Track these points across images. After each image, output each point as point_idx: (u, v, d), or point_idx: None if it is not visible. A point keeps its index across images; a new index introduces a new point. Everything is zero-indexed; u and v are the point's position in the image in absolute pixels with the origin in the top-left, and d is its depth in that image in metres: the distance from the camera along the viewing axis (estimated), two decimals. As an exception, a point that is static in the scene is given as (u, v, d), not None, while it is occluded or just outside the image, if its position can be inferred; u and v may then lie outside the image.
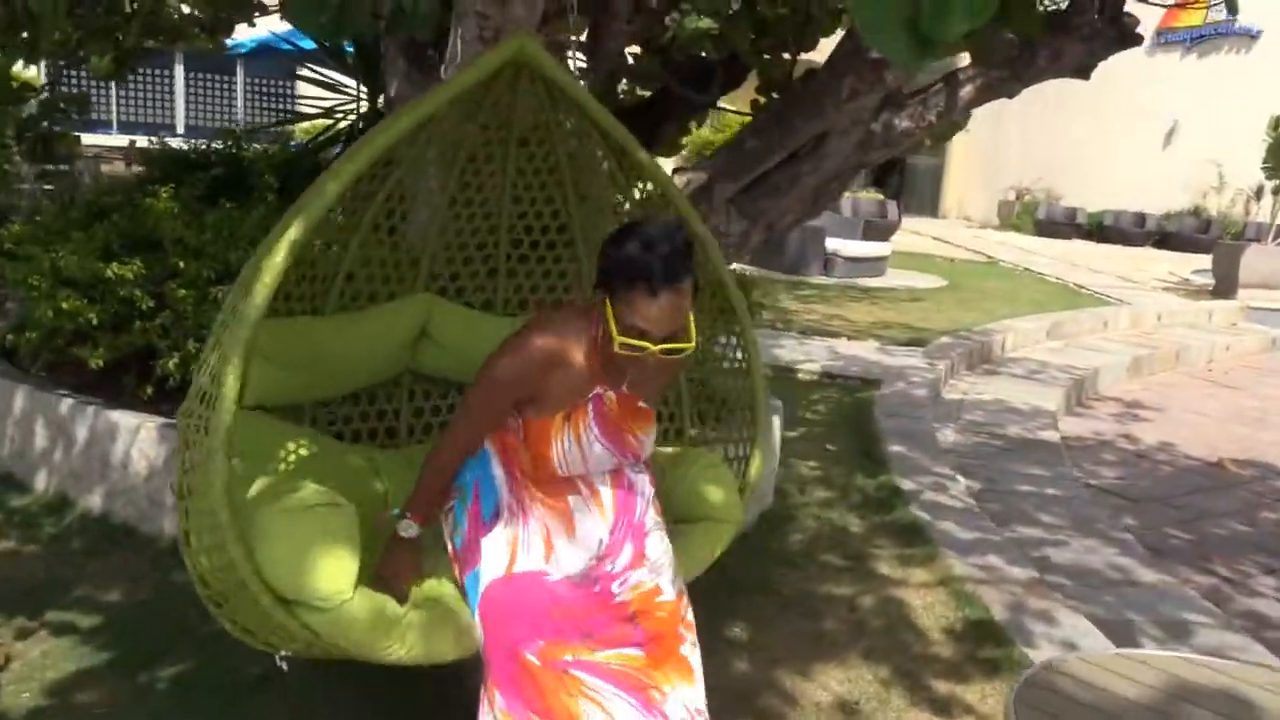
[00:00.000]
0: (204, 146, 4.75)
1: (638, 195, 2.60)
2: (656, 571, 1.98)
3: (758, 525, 3.77)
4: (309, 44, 5.73)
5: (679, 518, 2.49)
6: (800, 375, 6.38)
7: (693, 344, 1.79)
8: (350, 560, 1.79)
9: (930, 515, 4.04)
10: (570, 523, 1.93)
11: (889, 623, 3.13)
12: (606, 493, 1.96)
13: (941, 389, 6.64)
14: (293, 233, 1.74)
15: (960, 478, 4.68)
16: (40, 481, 3.66)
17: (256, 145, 5.14)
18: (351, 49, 4.86)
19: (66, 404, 3.53)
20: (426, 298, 2.64)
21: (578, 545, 1.92)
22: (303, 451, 2.32)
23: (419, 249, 2.65)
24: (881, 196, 16.02)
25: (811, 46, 3.52)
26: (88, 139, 13.14)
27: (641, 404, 1.97)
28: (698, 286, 1.82)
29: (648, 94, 4.07)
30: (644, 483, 2.03)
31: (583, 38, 3.42)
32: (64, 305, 3.39)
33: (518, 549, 1.91)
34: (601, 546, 1.93)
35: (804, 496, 4.17)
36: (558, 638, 1.86)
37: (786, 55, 3.57)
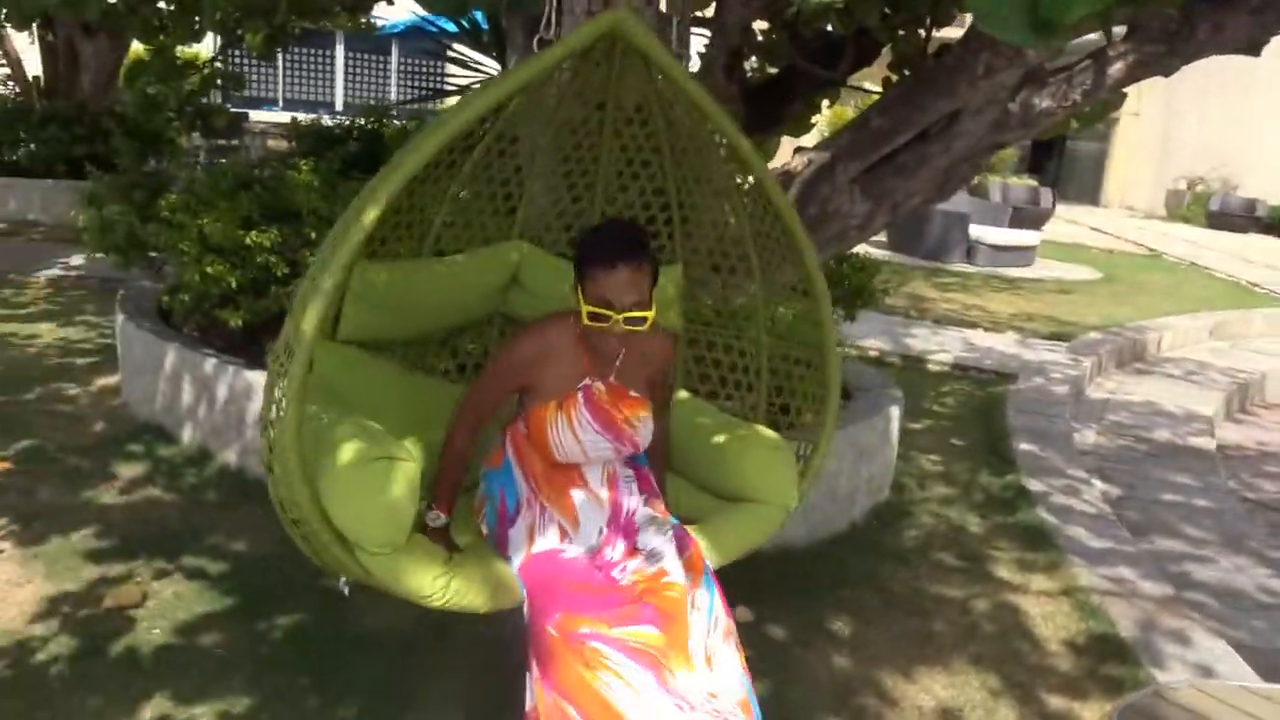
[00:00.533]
0: (348, 122, 4.95)
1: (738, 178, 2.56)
2: (655, 559, 2.07)
3: (870, 518, 3.66)
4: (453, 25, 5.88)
5: (734, 496, 2.50)
6: (930, 366, 6.16)
7: (651, 313, 2.05)
8: (404, 513, 1.91)
9: (1058, 519, 3.83)
10: (575, 516, 2.13)
11: (1003, 629, 2.98)
12: (605, 494, 2.16)
13: (1085, 387, 6.29)
14: (380, 192, 1.81)
15: (1096, 482, 4.42)
16: (186, 434, 3.90)
17: (397, 121, 5.32)
18: (486, 27, 4.94)
19: (210, 363, 3.74)
20: (520, 244, 2.72)
21: (582, 537, 2.11)
22: (389, 385, 2.48)
23: (515, 199, 2.73)
24: (1035, 182, 15.26)
25: (948, 21, 3.35)
26: (255, 115, 13.94)
27: (632, 393, 2.19)
28: (656, 274, 2.12)
29: (775, 71, 3.97)
30: (634, 489, 2.20)
31: (708, 13, 3.36)
32: (209, 270, 3.59)
33: (535, 534, 2.13)
34: (600, 536, 2.11)
35: (923, 491, 4.02)
36: (574, 610, 1.95)
37: (920, 31, 3.41)
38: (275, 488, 2.01)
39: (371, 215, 1.81)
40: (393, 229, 2.50)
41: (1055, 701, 2.63)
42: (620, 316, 2.03)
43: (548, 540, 2.12)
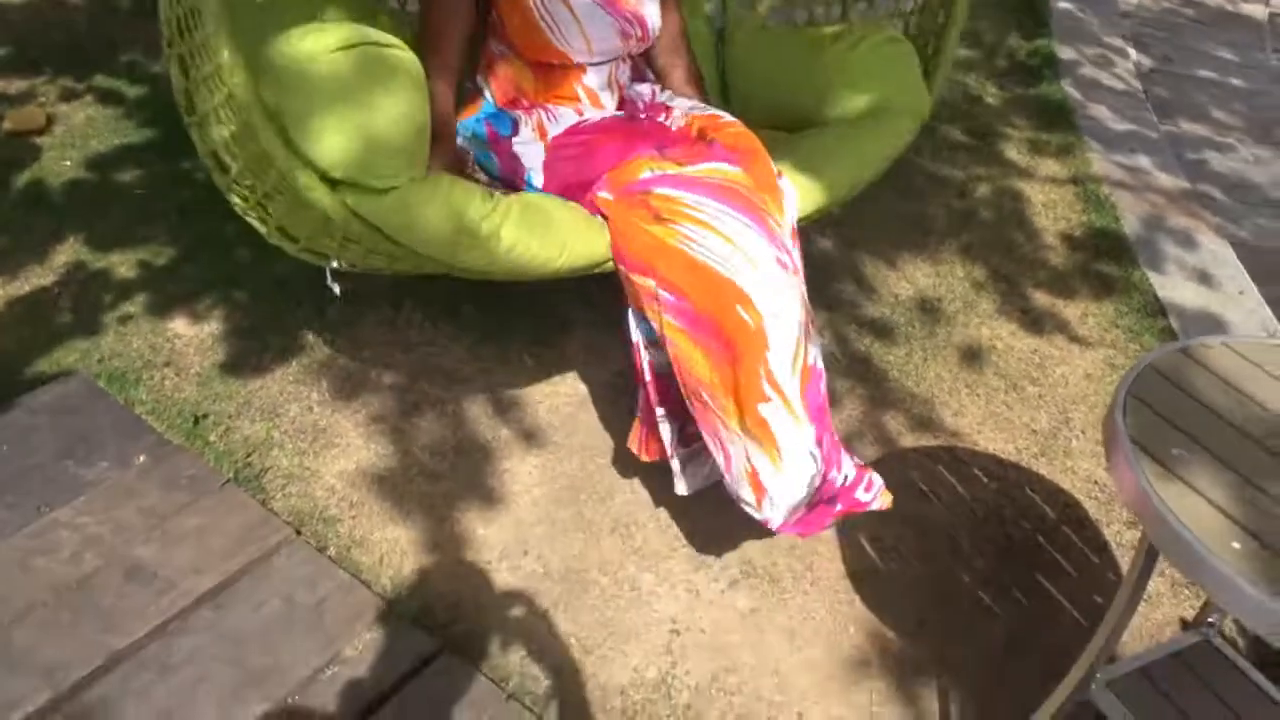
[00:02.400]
0: None
1: None
2: (703, 109, 1.71)
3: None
4: None
5: (844, 116, 1.96)
6: (974, -106, 5.29)
7: None
8: (418, 119, 1.33)
9: (1082, 95, 3.46)
10: (580, 111, 1.73)
11: (999, 217, 2.77)
12: (610, 100, 1.77)
13: (1142, -67, 5.50)
14: None
15: (1131, 51, 3.97)
16: (90, -81, 3.29)
17: None
18: None
19: None
20: None
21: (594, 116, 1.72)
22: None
23: None
24: None
25: None
26: None
27: None
28: None
29: None
30: (651, 88, 1.82)
31: None
32: None
33: (546, 126, 1.69)
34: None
35: (940, 52, 3.58)
36: (623, 159, 1.54)
37: None
38: (204, 136, 1.40)
39: None
40: None
41: (1039, 298, 2.50)
42: None
43: (563, 122, 1.70)
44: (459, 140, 1.74)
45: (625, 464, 1.84)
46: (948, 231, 2.68)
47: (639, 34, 1.76)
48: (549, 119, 1.71)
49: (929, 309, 2.41)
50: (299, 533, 1.60)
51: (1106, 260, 2.65)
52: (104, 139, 2.43)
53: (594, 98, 1.75)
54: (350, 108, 1.27)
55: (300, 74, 1.26)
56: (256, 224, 1.52)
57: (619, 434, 1.90)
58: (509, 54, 1.74)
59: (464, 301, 2.15)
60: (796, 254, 1.52)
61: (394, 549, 1.64)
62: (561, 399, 1.97)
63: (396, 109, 1.30)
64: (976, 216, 2.76)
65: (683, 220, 1.42)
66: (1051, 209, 2.84)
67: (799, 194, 1.67)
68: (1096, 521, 1.89)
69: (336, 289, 1.51)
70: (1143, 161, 3.12)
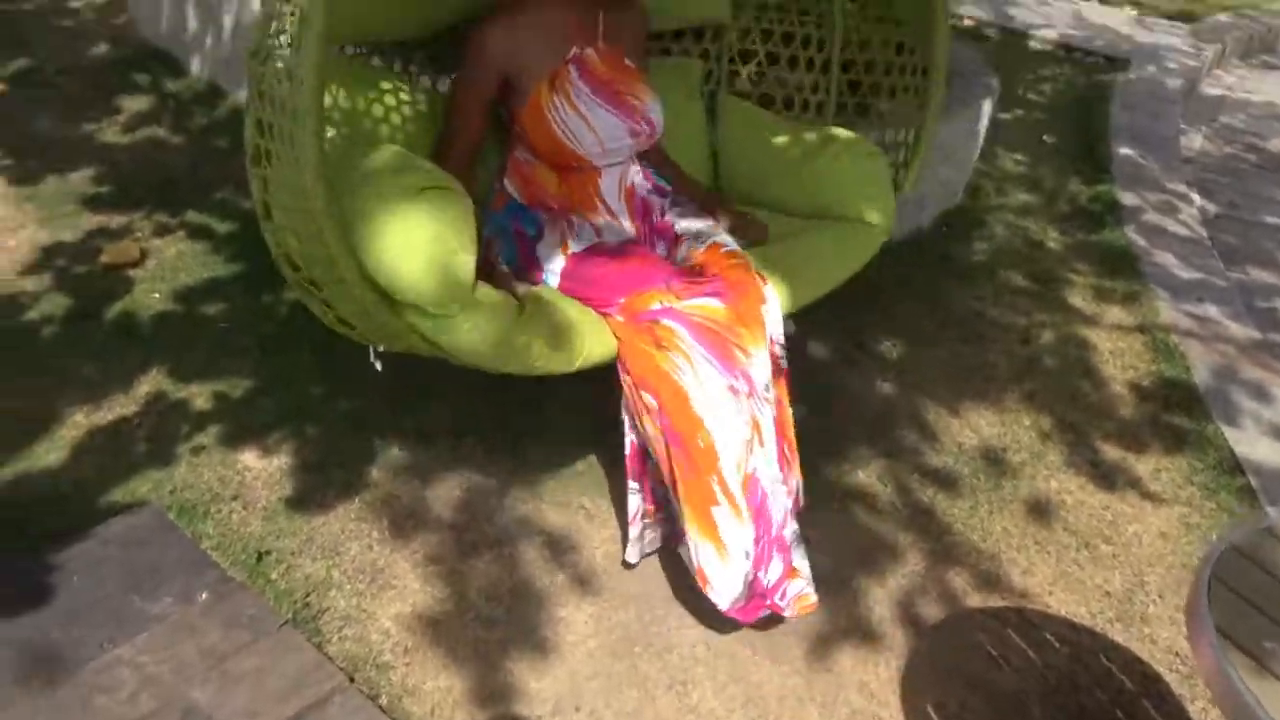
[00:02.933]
0: None
1: None
2: (702, 239, 1.93)
3: (938, 225, 3.31)
4: None
5: (813, 213, 2.18)
6: (1031, 44, 5.43)
7: None
8: (467, 256, 1.52)
9: (1147, 241, 3.45)
10: (598, 229, 1.95)
11: (1065, 365, 2.74)
12: (623, 210, 1.98)
13: (1201, 81, 5.58)
14: None
15: (1195, 197, 3.97)
16: (195, 66, 3.54)
17: None
18: None
19: (213, -16, 3.29)
20: None
21: (612, 239, 1.94)
22: (393, 98, 1.99)
23: None
24: None
25: None
26: None
27: (627, 61, 1.97)
28: None
29: None
30: (660, 201, 2.02)
31: None
32: None
33: (568, 239, 1.90)
34: (635, 233, 1.97)
35: (1001, 197, 3.62)
36: (638, 289, 1.78)
37: None
38: (279, 241, 1.58)
39: None
40: None
41: (1109, 450, 2.45)
42: None
43: (584, 240, 1.92)
44: (485, 231, 1.93)
45: (682, 616, 1.82)
46: (1011, 378, 2.66)
47: (647, 131, 1.98)
48: (571, 233, 1.91)
49: (994, 459, 2.37)
50: (352, 680, 1.59)
51: (1177, 412, 2.60)
52: (193, 273, 2.54)
53: (609, 201, 1.97)
54: (420, 242, 1.47)
55: (381, 208, 1.47)
56: (317, 311, 1.70)
57: (676, 584, 1.88)
58: (533, 160, 1.96)
59: (524, 435, 2.17)
60: (765, 372, 1.76)
61: (445, 699, 1.62)
62: (618, 545, 1.96)
63: (459, 248, 1.51)
64: (1041, 364, 2.73)
65: (674, 350, 1.69)
66: (1119, 357, 2.80)
67: (780, 296, 1.90)
68: (1179, 696, 1.80)
69: (379, 365, 1.74)
70: (1211, 310, 3.08)
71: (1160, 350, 2.84)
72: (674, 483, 1.70)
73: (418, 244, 1.47)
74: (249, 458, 2.02)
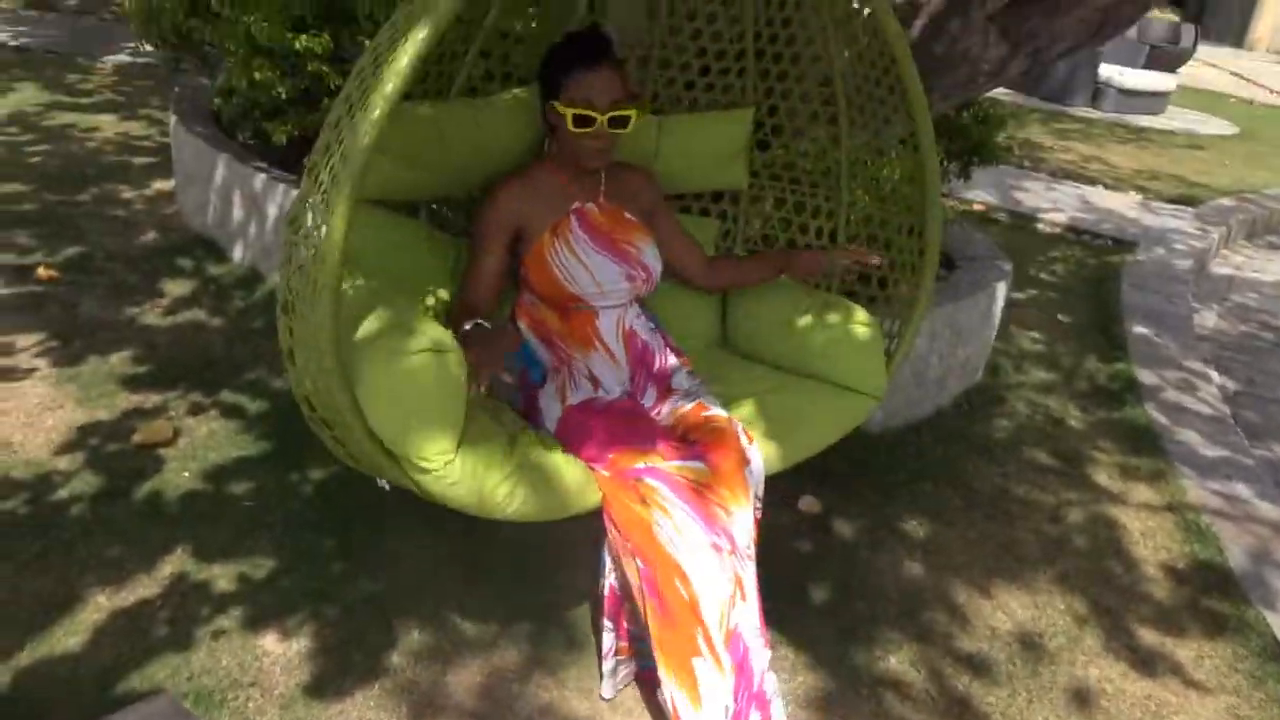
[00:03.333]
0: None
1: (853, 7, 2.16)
2: (691, 396, 2.06)
3: (959, 403, 3.34)
4: None
5: (807, 374, 2.27)
6: (1041, 227, 5.63)
7: (635, 112, 1.98)
8: (454, 416, 1.66)
9: (1169, 419, 3.46)
10: (596, 378, 2.08)
11: (1095, 546, 2.70)
12: (620, 350, 2.10)
13: (1209, 261, 5.72)
14: (421, 31, 1.40)
15: (1214, 374, 4.00)
16: (237, 252, 3.70)
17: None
18: None
19: (260, 179, 3.48)
20: None
21: (609, 393, 2.07)
22: (416, 248, 2.17)
23: (572, 19, 2.32)
24: (1176, 17, 13.72)
25: None
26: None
27: (628, 215, 2.14)
28: (628, 82, 2.04)
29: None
30: (659, 346, 2.15)
31: None
32: (257, 75, 3.27)
33: (567, 391, 2.05)
34: (626, 392, 2.09)
35: (1020, 375, 3.66)
36: (625, 448, 1.89)
37: None
38: (299, 382, 1.73)
39: (407, 64, 1.39)
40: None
41: (1147, 636, 2.37)
42: (604, 118, 1.95)
43: (581, 393, 2.07)
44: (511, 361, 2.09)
45: (710, 815, 1.73)
46: (1042, 559, 2.61)
47: (643, 277, 2.12)
48: (572, 386, 2.06)
49: (1030, 644, 2.30)
50: None
51: (1215, 596, 2.53)
52: (222, 451, 2.58)
53: (608, 341, 2.10)
54: (410, 404, 1.60)
55: (380, 368, 1.60)
56: (329, 446, 1.81)
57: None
58: (537, 301, 2.12)
59: (544, 619, 2.14)
60: (747, 532, 1.84)
61: None
62: (644, 735, 1.90)
63: (448, 410, 1.65)
64: (1071, 543, 2.69)
65: (655, 507, 1.78)
66: (1150, 538, 2.76)
67: (764, 454, 1.99)
68: None
69: (387, 487, 1.80)
70: (1240, 489, 3.05)
71: (1192, 531, 2.80)
72: (652, 632, 1.75)
73: (407, 405, 1.60)
74: (269, 641, 1.99)
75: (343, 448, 1.76)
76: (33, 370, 2.82)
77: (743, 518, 1.84)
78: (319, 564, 2.22)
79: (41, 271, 3.39)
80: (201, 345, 3.09)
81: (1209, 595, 2.54)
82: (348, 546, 2.28)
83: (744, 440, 1.94)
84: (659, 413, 2.07)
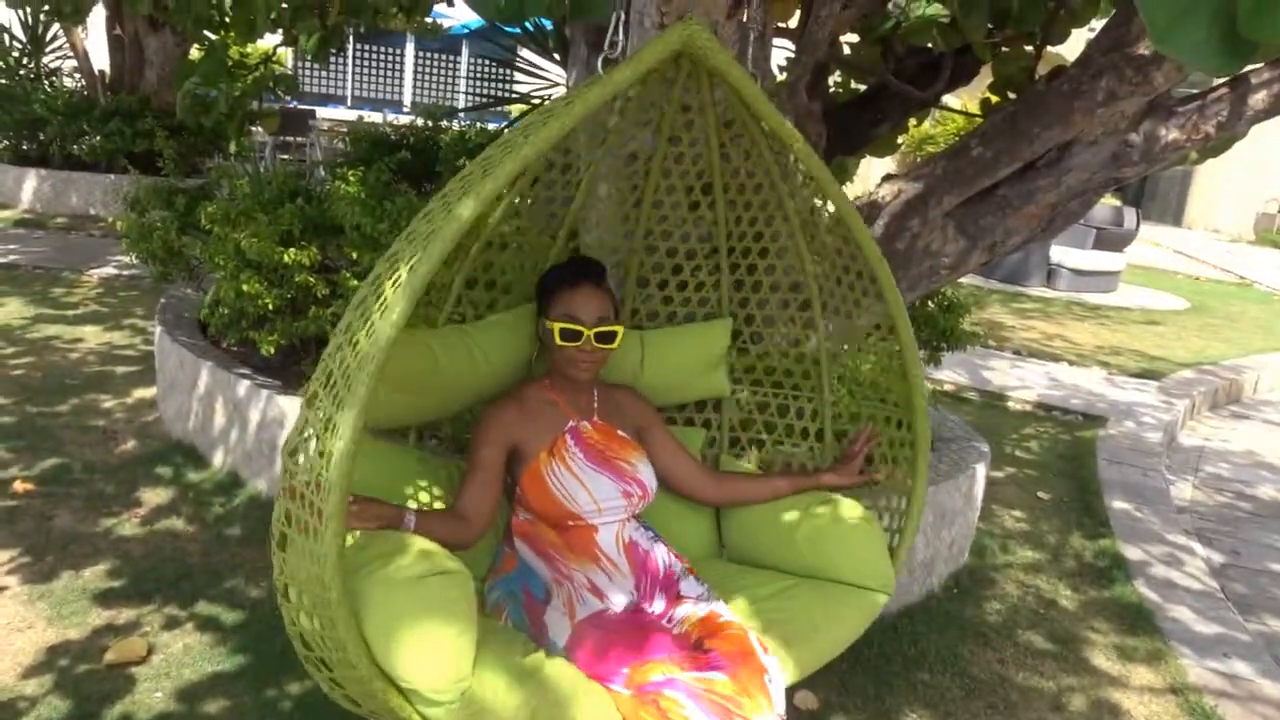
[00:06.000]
0: (406, 123, 4.74)
1: (816, 207, 2.28)
2: (703, 602, 1.99)
3: (949, 587, 3.31)
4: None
5: (810, 574, 2.22)
6: (1011, 405, 5.75)
7: (620, 329, 2.07)
8: (467, 640, 1.57)
9: (1160, 596, 3.43)
10: (600, 590, 2.00)
11: (1103, 733, 2.62)
12: (622, 561, 2.04)
13: (1178, 433, 5.83)
14: (418, 274, 1.46)
15: (1197, 547, 4.00)
16: (217, 458, 3.70)
17: (456, 125, 5.09)
18: (551, 28, 4.68)
19: (244, 385, 3.53)
20: None
21: (615, 602, 1.99)
22: (407, 472, 2.15)
23: (557, 251, 2.42)
24: (1118, 202, 14.58)
25: (1061, 39, 2.99)
26: (323, 113, 13.93)
27: (621, 433, 2.16)
28: (618, 309, 2.15)
29: (862, 88, 3.64)
30: (662, 552, 2.09)
31: (791, 24, 3.05)
32: (245, 288, 3.37)
33: (574, 605, 1.97)
34: (637, 595, 2.01)
35: (1006, 555, 3.65)
36: (640, 659, 1.80)
37: (1029, 48, 3.05)
38: (293, 620, 1.63)
39: (404, 307, 1.44)
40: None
41: (1167, 831, 2.27)
42: (591, 332, 2.03)
43: (588, 607, 1.98)
44: (495, 595, 2.03)
45: None
46: (1050, 751, 2.52)
47: (639, 493, 2.11)
48: (578, 600, 1.97)
49: (1046, 847, 2.19)
50: None
51: (1232, 783, 2.44)
52: (197, 667, 2.49)
53: (608, 553, 2.04)
54: (420, 631, 1.53)
55: (386, 595, 1.56)
56: (325, 689, 1.69)
57: None
58: (533, 519, 2.08)
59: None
60: None
61: None
62: None
63: (460, 636, 1.57)
64: (1077, 733, 2.61)
65: None
66: (1156, 723, 2.68)
67: (783, 665, 1.90)
68: None
69: None
70: (1240, 668, 2.99)
71: (1197, 714, 2.73)
72: None
73: (417, 633, 1.53)
74: None
75: (341, 689, 1.66)
76: (3, 589, 2.74)
77: None
78: (296, 789, 2.10)
79: (17, 485, 3.36)
80: (178, 555, 3.03)
81: (1225, 783, 2.45)
82: (327, 768, 2.17)
83: (759, 650, 1.85)
84: (669, 619, 1.99)
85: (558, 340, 2.04)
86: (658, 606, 2.02)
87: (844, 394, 2.55)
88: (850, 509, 2.27)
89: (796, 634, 2.02)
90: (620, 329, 2.07)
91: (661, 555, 2.09)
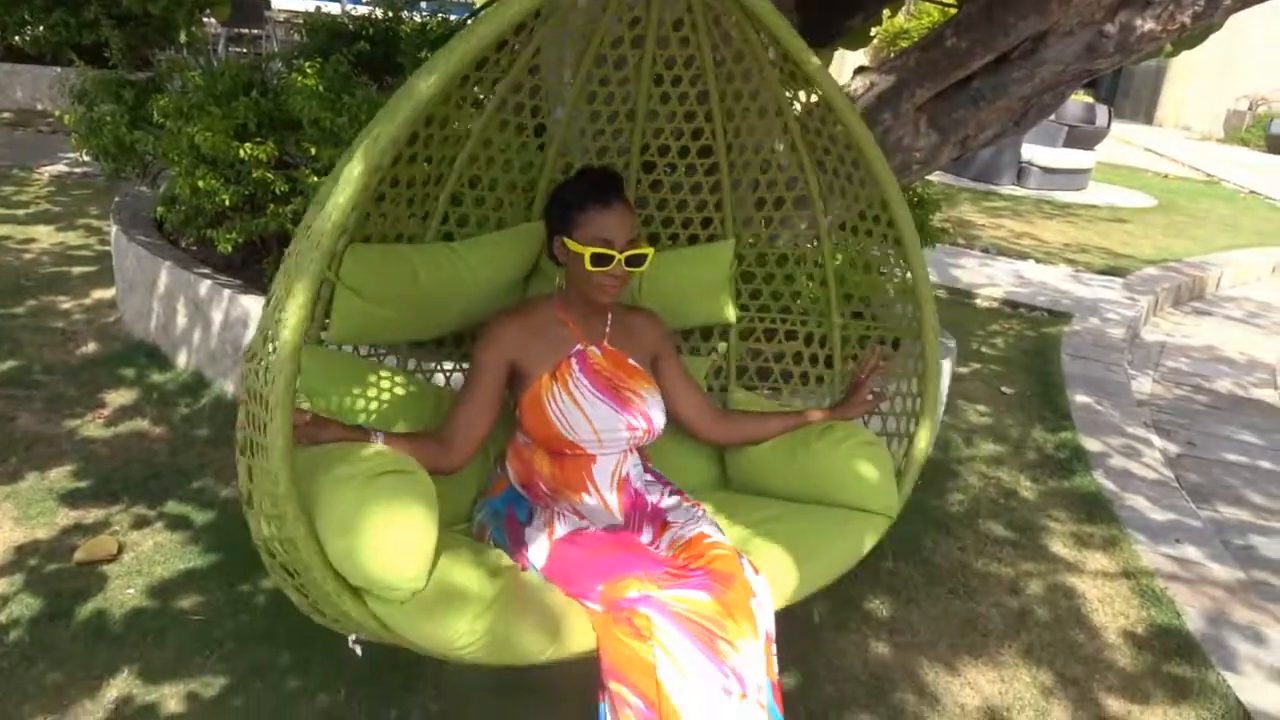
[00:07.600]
0: (364, 13, 4.56)
1: (803, 100, 2.20)
2: (691, 524, 1.91)
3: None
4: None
5: (814, 499, 2.16)
6: (979, 302, 5.79)
7: (651, 251, 1.94)
8: (420, 536, 1.54)
9: (1117, 485, 3.53)
10: (584, 516, 1.95)
11: (1057, 616, 2.71)
12: (613, 497, 1.96)
13: (1141, 329, 5.91)
14: (378, 136, 1.42)
15: (1155, 439, 4.10)
16: (181, 359, 3.65)
17: (417, 16, 4.90)
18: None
19: (205, 285, 3.46)
20: (540, 226, 2.22)
21: (596, 525, 1.94)
22: (389, 395, 2.09)
23: (535, 170, 2.32)
24: (1090, 99, 14.46)
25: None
26: (278, 2, 13.34)
27: (632, 360, 2.04)
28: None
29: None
30: (657, 489, 2.03)
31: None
32: (200, 184, 3.27)
33: (555, 524, 1.91)
34: (617, 526, 1.95)
35: (970, 449, 3.72)
36: (615, 575, 1.73)
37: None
38: (258, 526, 1.58)
39: (362, 171, 1.38)
40: (391, 204, 2.09)
41: (1114, 704, 2.38)
42: (622, 256, 1.90)
43: (568, 524, 1.92)
44: (480, 516, 1.99)
45: None
46: (1005, 633, 2.61)
47: (644, 428, 2.00)
48: (559, 518, 1.92)
49: (998, 719, 2.29)
50: None
51: (1176, 660, 2.55)
52: (169, 564, 2.50)
53: (600, 485, 1.96)
54: (374, 526, 1.49)
55: (338, 491, 1.51)
56: (294, 599, 1.66)
57: None
58: (530, 444, 1.99)
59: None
60: (759, 670, 1.67)
61: None
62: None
63: (415, 536, 1.53)
64: (1033, 615, 2.70)
65: (655, 643, 1.61)
66: (1108, 605, 2.78)
67: (774, 588, 1.82)
68: None
69: (359, 650, 1.65)
70: (1191, 552, 3.10)
71: (1148, 596, 2.83)
72: None
73: (370, 527, 1.49)
74: (220, 764, 1.91)
75: (306, 598, 1.61)
76: (-33, 490, 2.73)
77: (752, 654, 1.66)
78: (273, 680, 2.14)
79: (-24, 387, 3.31)
80: (145, 455, 3.02)
81: (1170, 660, 2.56)
82: (303, 660, 2.21)
83: (749, 571, 1.77)
84: (656, 546, 1.90)
85: (588, 265, 1.89)
86: (645, 536, 1.94)
87: (852, 321, 2.49)
88: (856, 431, 2.19)
89: (791, 556, 1.95)
90: (650, 251, 1.93)
91: (654, 494, 2.03)
